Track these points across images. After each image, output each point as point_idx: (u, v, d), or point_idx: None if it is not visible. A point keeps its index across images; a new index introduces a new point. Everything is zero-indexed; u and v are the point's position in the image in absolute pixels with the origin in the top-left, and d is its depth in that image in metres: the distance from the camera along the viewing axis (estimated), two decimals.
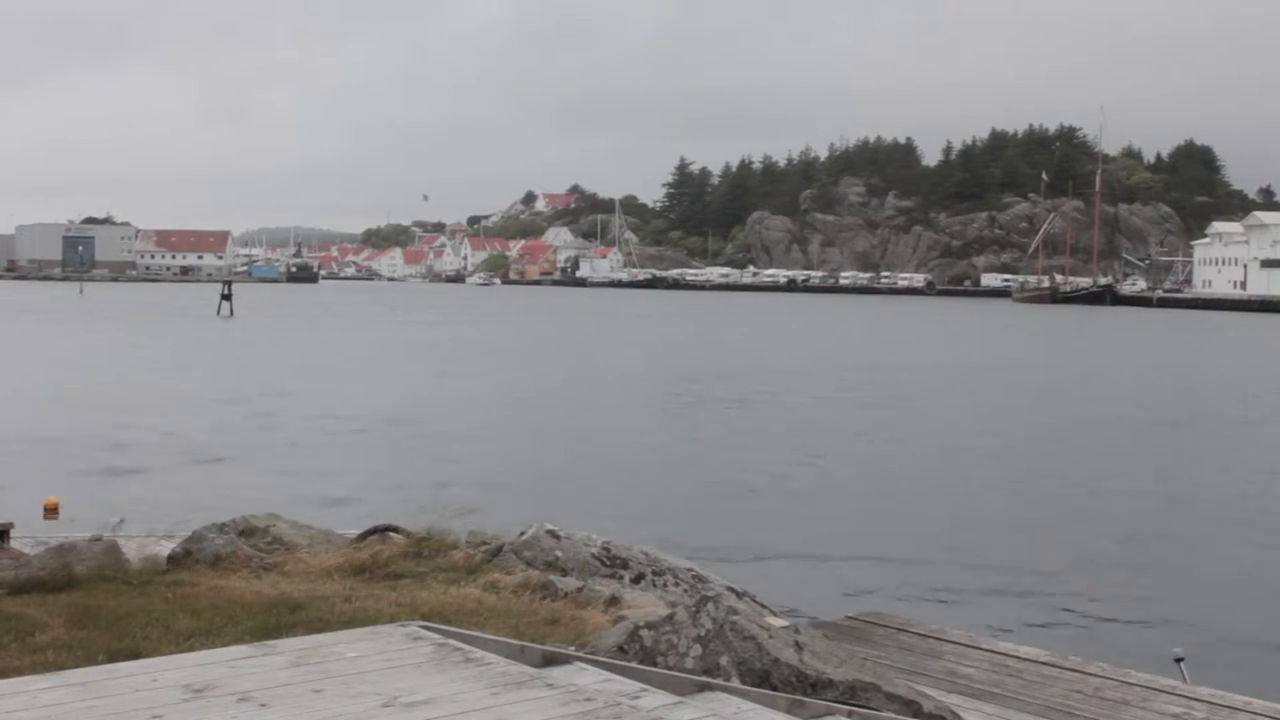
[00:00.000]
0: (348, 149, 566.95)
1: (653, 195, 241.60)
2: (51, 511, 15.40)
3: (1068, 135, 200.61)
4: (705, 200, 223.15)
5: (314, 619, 6.44)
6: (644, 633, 5.40)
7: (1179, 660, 8.00)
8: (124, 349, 48.98)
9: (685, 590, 7.84)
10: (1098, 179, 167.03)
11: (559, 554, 8.13)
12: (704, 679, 4.76)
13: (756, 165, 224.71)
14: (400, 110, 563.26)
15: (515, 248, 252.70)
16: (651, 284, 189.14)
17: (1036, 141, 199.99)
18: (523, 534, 8.40)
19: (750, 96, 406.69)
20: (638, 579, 8.00)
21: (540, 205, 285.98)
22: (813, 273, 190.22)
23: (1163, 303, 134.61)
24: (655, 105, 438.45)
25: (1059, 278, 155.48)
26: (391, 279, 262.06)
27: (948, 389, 37.82)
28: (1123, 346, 65.76)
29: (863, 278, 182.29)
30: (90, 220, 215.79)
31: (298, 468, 20.75)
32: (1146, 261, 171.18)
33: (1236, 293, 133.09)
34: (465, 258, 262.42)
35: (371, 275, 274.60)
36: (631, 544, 8.67)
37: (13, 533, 9.73)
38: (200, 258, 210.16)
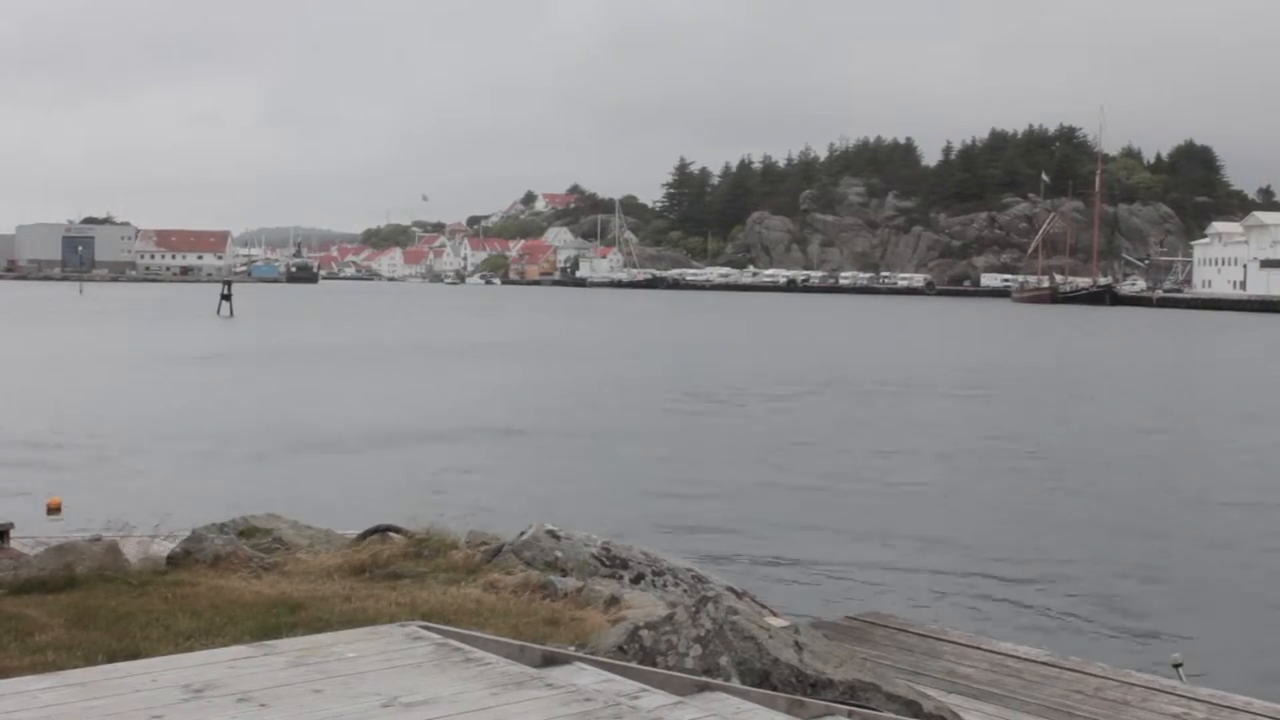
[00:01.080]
0: (370, 152, 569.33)
1: (652, 195, 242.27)
2: (54, 511, 15.44)
3: (1067, 135, 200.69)
4: (705, 200, 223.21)
5: (314, 619, 6.44)
6: (644, 633, 5.40)
7: (1177, 666, 8.01)
8: (124, 350, 48.97)
9: (685, 590, 7.84)
10: (1097, 179, 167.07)
11: (559, 554, 8.13)
12: (704, 679, 4.76)
13: (756, 165, 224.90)
14: (420, 116, 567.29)
15: (515, 248, 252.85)
16: (651, 284, 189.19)
17: (1036, 142, 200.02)
18: (523, 534, 8.40)
19: (753, 98, 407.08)
20: (638, 579, 8.00)
21: (540, 205, 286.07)
22: (813, 273, 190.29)
23: (1162, 303, 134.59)
24: (660, 107, 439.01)
25: (1059, 278, 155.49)
26: (391, 279, 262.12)
27: (949, 389, 37.81)
28: (1122, 346, 65.76)
29: (863, 278, 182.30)
30: (90, 220, 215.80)
31: (298, 468, 20.76)
32: (1146, 261, 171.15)
33: (1236, 293, 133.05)
34: (465, 258, 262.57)
35: (371, 275, 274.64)
36: (631, 544, 8.67)
37: (13, 533, 9.73)
38: (200, 258, 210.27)
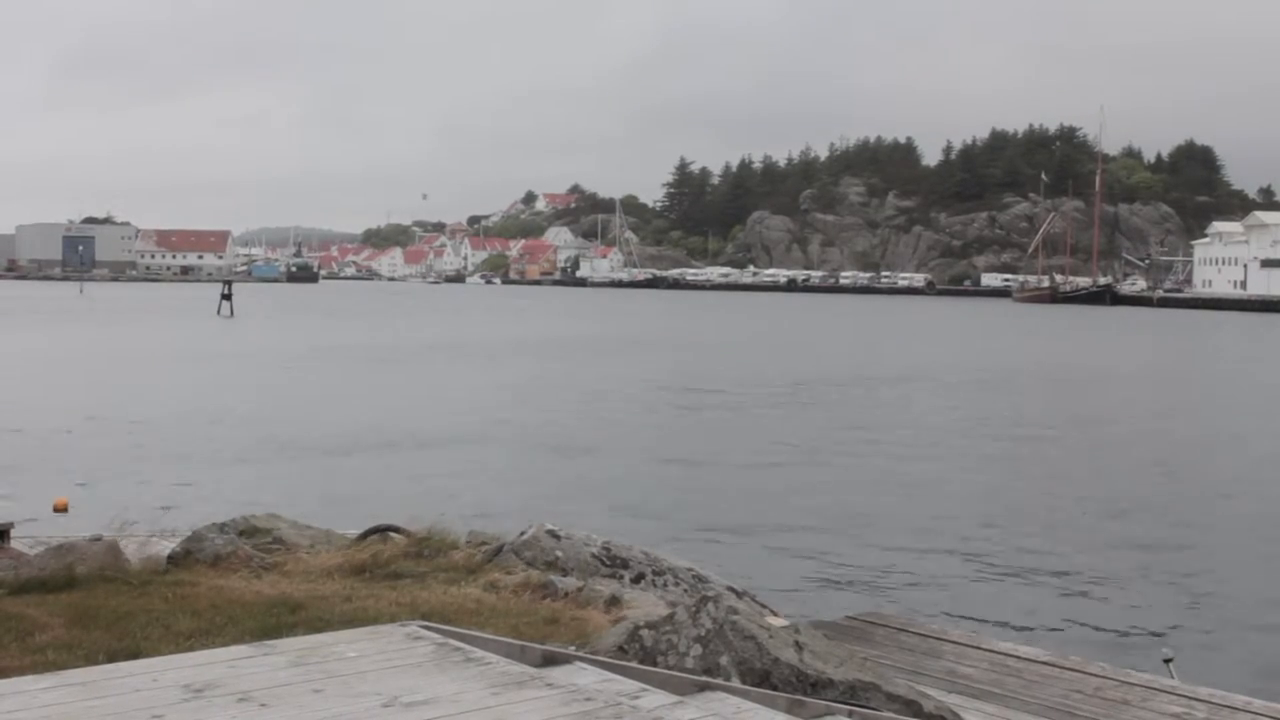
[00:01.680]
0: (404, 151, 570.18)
1: (653, 195, 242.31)
2: (61, 510, 15.50)
3: (1068, 135, 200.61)
4: (705, 200, 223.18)
5: (314, 619, 6.43)
6: (644, 633, 5.40)
7: (1168, 661, 8.02)
8: (125, 350, 48.97)
9: (685, 590, 7.84)
10: (1098, 179, 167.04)
11: (559, 554, 8.12)
12: (704, 679, 4.76)
13: (756, 165, 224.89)
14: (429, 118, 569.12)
15: (515, 247, 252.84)
16: (652, 284, 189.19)
17: (1036, 141, 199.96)
18: (523, 534, 8.40)
19: (753, 98, 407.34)
20: (638, 579, 7.99)
21: (540, 205, 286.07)
22: (813, 273, 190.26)
23: (1163, 302, 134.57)
24: (662, 107, 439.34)
25: (1059, 277, 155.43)
26: (391, 279, 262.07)
27: (949, 389, 37.81)
28: (1123, 346, 65.76)
29: (863, 278, 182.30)
30: (90, 220, 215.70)
31: (299, 468, 20.76)
32: (1146, 261, 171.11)
33: (1236, 293, 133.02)
34: (465, 257, 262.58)
35: (371, 275, 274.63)
36: (631, 544, 8.66)
37: (13, 533, 9.73)
38: (200, 257, 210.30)
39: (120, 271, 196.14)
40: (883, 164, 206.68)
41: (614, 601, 7.16)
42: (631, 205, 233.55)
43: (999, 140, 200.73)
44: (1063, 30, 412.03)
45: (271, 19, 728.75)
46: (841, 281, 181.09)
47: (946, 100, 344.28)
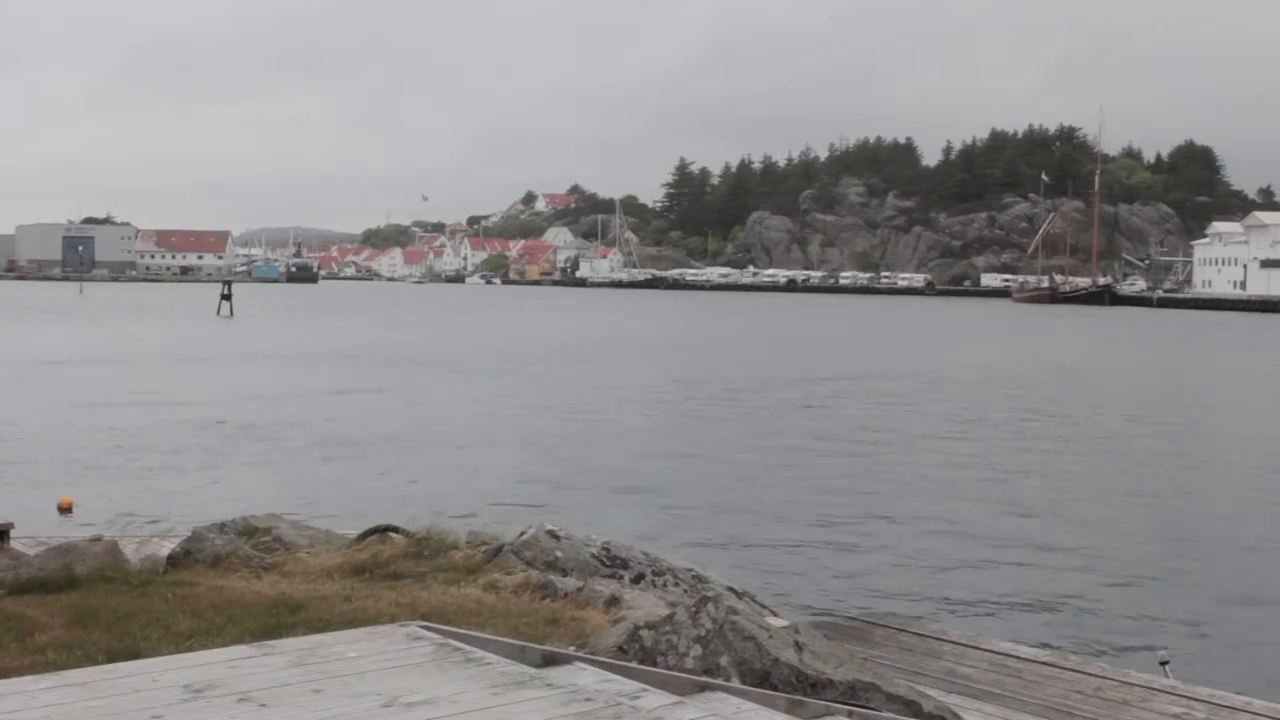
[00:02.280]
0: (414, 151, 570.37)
1: (652, 196, 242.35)
2: (65, 510, 15.53)
3: (1067, 135, 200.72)
4: (705, 200, 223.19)
5: (314, 619, 6.43)
6: (644, 633, 5.40)
7: (1164, 664, 8.02)
8: (127, 350, 48.96)
9: (685, 590, 7.84)
10: (1097, 179, 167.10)
11: (559, 554, 8.12)
12: (704, 679, 4.76)
13: (756, 165, 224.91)
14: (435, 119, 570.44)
15: (515, 248, 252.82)
16: (651, 284, 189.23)
17: (1036, 142, 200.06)
18: (523, 534, 8.40)
19: (754, 98, 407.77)
20: (638, 579, 7.99)
21: (540, 205, 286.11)
22: (813, 273, 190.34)
23: (1162, 303, 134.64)
24: (659, 107, 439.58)
25: (1059, 278, 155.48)
26: (391, 279, 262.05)
27: (949, 389, 37.81)
28: (1122, 346, 65.75)
29: (863, 278, 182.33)
30: (90, 220, 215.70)
31: (299, 468, 20.75)
32: (1146, 262, 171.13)
33: (1236, 293, 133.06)
34: (465, 258, 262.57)
35: (371, 275, 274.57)
36: (631, 544, 8.67)
37: (13, 533, 9.73)
38: (200, 258, 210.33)
39: (120, 272, 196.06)
40: (882, 164, 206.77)
41: (614, 602, 7.16)
42: (631, 205, 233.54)
43: (999, 140, 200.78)
44: (1063, 30, 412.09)
45: (272, 21, 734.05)
46: (841, 282, 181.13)
47: (946, 100, 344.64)
